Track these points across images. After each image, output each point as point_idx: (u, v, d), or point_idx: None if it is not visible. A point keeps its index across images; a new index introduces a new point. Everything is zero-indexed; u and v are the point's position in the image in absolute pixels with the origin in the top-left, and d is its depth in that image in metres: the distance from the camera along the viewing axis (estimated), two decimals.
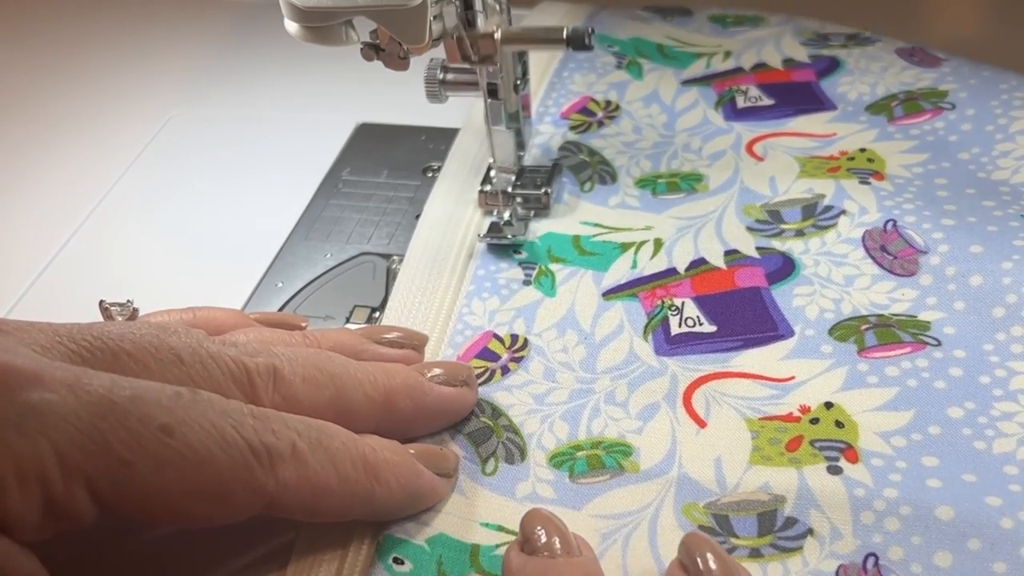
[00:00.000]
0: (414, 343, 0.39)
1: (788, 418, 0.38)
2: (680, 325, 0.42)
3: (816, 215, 0.45)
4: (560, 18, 0.60)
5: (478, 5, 0.41)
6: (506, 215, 0.46)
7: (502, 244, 0.45)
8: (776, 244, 0.45)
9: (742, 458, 0.37)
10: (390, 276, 0.46)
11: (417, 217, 0.48)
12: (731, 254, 0.44)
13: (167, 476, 0.28)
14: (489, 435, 0.38)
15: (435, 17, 0.39)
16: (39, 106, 0.62)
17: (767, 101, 0.53)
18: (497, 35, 0.42)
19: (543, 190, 0.47)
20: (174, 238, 0.51)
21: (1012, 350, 0.39)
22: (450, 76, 0.44)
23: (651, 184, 0.49)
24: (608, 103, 0.54)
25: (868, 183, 0.46)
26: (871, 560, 0.34)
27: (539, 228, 0.47)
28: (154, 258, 0.49)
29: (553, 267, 0.45)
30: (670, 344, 0.41)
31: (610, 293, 0.43)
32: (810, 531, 0.35)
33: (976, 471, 0.35)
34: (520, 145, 0.48)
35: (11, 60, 0.67)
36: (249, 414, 0.30)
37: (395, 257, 0.47)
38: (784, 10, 0.59)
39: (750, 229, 0.45)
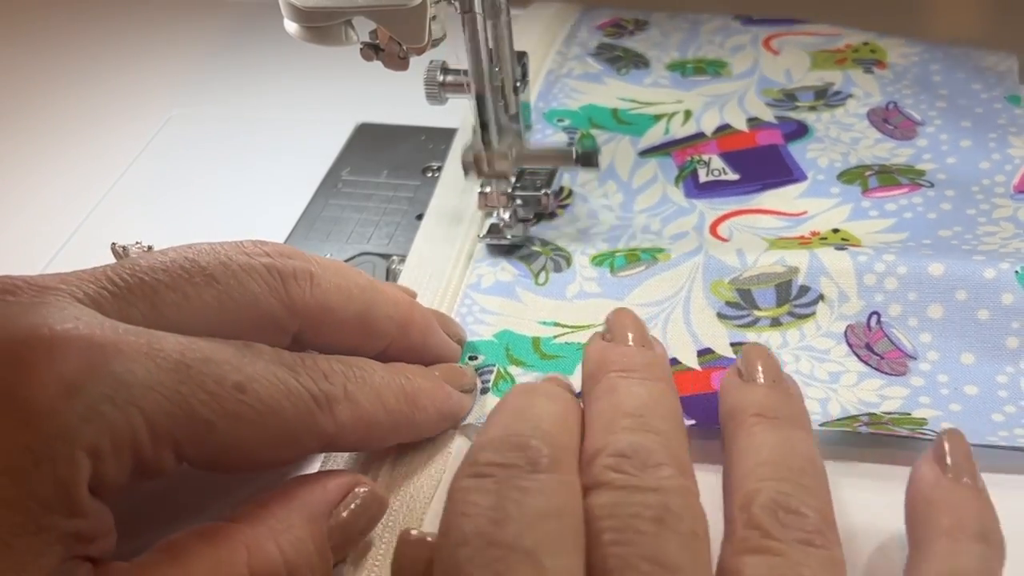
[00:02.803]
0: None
1: (800, 238, 0.44)
2: (707, 175, 0.48)
3: (827, 97, 0.52)
4: (551, 18, 0.61)
5: (493, 128, 0.43)
6: (506, 216, 0.46)
7: (502, 245, 0.46)
8: (792, 114, 0.52)
9: (760, 247, 0.43)
10: (390, 276, 0.46)
11: (417, 217, 0.49)
12: (752, 120, 0.51)
13: (243, 431, 0.30)
14: (538, 256, 0.45)
15: (434, 18, 0.39)
16: (39, 106, 0.62)
17: (779, 16, 0.60)
18: (511, 156, 0.44)
19: (543, 191, 0.47)
20: (174, 238, 0.50)
21: (996, 191, 0.45)
22: (450, 78, 0.44)
23: (680, 68, 0.56)
24: (637, 20, 0.61)
25: (872, 72, 0.53)
26: (874, 318, 0.40)
27: (580, 100, 0.54)
28: None
29: (594, 131, 0.52)
30: (698, 190, 0.48)
31: (645, 152, 0.50)
32: (821, 297, 0.40)
33: (962, 255, 0.40)
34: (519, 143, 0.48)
35: (11, 60, 0.67)
36: (299, 360, 0.32)
37: (395, 257, 0.47)
38: (783, 10, 0.59)
39: (769, 105, 0.52)
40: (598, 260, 0.44)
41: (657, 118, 0.52)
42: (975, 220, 0.44)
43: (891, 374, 0.38)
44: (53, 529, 0.27)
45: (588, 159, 0.44)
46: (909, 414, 0.36)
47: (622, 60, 0.57)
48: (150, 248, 0.40)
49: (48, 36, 0.69)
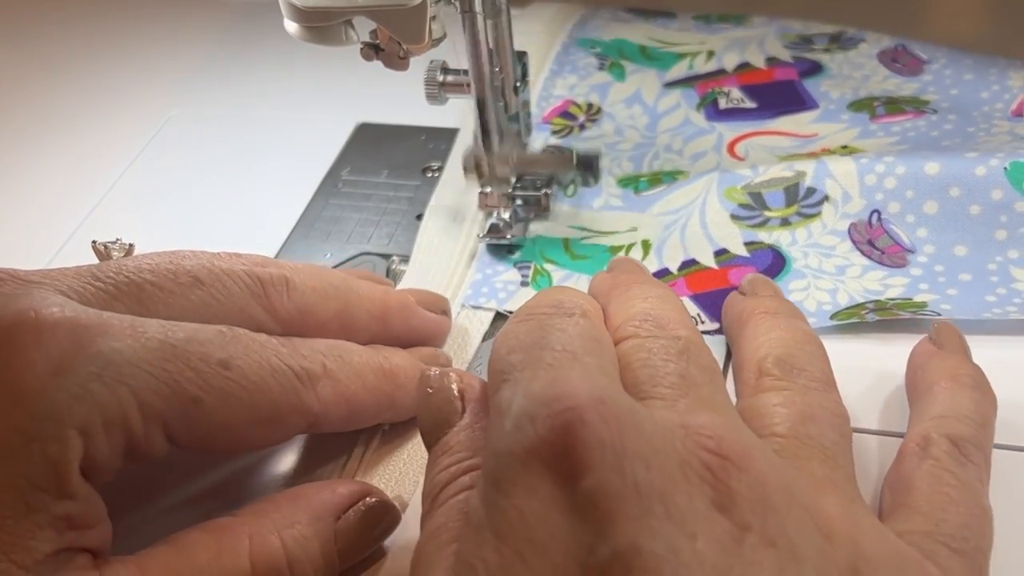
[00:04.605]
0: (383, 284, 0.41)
1: (811, 154, 0.47)
2: (727, 103, 0.53)
3: (841, 41, 0.56)
4: (551, 18, 0.60)
5: (494, 132, 0.44)
6: (506, 216, 0.46)
7: (502, 245, 0.46)
8: (807, 55, 0.55)
9: (772, 162, 0.46)
10: (391, 276, 0.46)
11: (418, 217, 0.49)
12: (771, 59, 0.55)
13: (231, 408, 0.30)
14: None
15: (434, 17, 0.39)
16: (38, 105, 0.62)
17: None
18: (512, 161, 0.45)
19: (543, 191, 0.47)
20: (173, 238, 0.50)
21: (995, 115, 0.49)
22: (450, 78, 0.44)
23: (704, 18, 0.59)
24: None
25: None
26: (875, 216, 0.43)
27: (613, 32, 0.58)
28: None
29: (623, 62, 0.56)
30: (718, 114, 0.52)
31: (670, 84, 0.55)
32: (826, 197, 0.44)
33: (956, 154, 0.43)
34: (520, 147, 0.48)
35: (10, 59, 0.67)
36: (278, 343, 0.32)
37: (395, 257, 0.47)
38: (786, 11, 0.59)
39: (786, 47, 0.56)
40: (624, 183, 0.48)
41: (682, 56, 0.56)
42: (974, 136, 0.47)
43: (892, 266, 0.42)
44: (43, 510, 0.27)
45: (588, 164, 0.45)
46: (911, 299, 0.40)
47: (649, 12, 0.61)
48: (131, 246, 0.40)
49: (47, 35, 0.69)
